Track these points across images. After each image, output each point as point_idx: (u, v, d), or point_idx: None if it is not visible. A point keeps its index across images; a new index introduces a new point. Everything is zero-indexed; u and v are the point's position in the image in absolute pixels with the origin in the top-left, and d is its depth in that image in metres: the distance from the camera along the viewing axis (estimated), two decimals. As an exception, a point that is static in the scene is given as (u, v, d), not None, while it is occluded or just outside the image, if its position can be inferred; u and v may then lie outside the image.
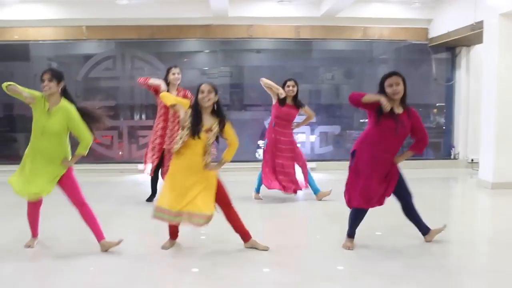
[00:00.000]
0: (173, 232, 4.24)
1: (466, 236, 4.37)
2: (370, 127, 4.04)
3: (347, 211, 4.20)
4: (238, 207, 4.18)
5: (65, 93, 4.03)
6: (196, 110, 3.99)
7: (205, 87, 3.96)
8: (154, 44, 9.32)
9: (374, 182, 3.98)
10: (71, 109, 3.97)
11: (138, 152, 9.36)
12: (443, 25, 8.78)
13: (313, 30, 9.20)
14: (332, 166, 8.83)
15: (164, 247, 4.20)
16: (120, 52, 9.39)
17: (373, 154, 3.98)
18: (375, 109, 3.92)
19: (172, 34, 9.05)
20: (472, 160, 9.20)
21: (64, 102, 3.98)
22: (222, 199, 4.08)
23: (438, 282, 3.49)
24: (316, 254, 4.14)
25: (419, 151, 4.19)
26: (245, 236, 4.19)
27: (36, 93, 3.95)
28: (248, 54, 9.97)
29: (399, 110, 4.00)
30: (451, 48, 9.50)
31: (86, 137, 4.00)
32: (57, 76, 3.95)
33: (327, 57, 10.16)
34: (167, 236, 4.38)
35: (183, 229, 4.29)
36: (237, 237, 4.18)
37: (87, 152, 4.06)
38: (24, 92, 3.83)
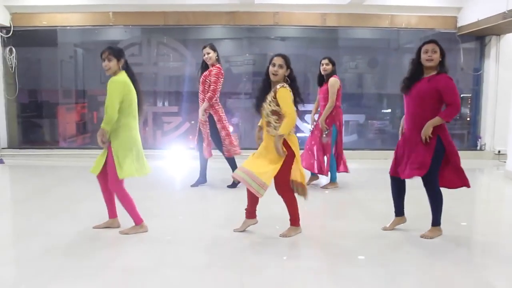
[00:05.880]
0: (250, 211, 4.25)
1: (492, 228, 4.31)
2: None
3: (368, 198, 4.16)
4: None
5: (127, 69, 4.03)
6: (265, 83, 3.96)
7: (276, 60, 3.88)
8: (180, 31, 9.34)
9: None
10: (112, 81, 3.89)
11: (163, 138, 9.47)
12: (473, 13, 8.57)
13: (340, 18, 9.08)
14: (356, 155, 8.78)
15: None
16: (146, 38, 9.45)
17: None
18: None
19: (198, 20, 9.03)
20: (499, 151, 9.05)
21: (114, 77, 3.93)
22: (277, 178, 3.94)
23: (463, 273, 3.46)
24: (342, 239, 4.14)
25: (446, 118, 3.89)
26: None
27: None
28: (272, 42, 9.90)
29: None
30: (481, 37, 9.29)
31: (108, 111, 3.85)
32: (115, 53, 3.96)
33: (352, 45, 10.02)
34: (194, 221, 4.38)
35: (199, 218, 4.28)
36: (259, 225, 4.21)
37: (108, 127, 3.90)
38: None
